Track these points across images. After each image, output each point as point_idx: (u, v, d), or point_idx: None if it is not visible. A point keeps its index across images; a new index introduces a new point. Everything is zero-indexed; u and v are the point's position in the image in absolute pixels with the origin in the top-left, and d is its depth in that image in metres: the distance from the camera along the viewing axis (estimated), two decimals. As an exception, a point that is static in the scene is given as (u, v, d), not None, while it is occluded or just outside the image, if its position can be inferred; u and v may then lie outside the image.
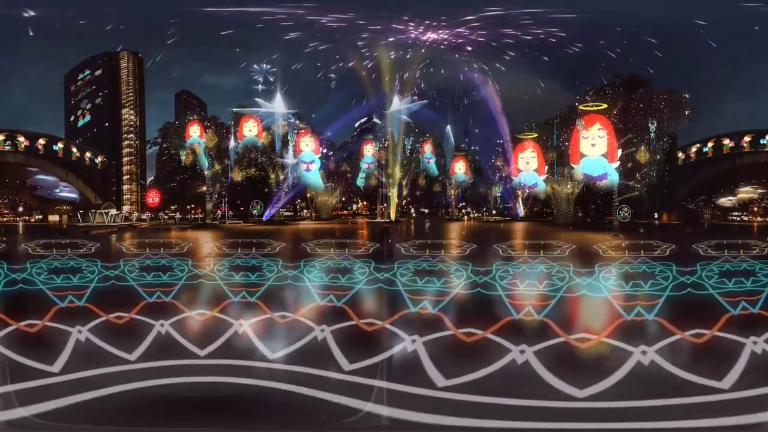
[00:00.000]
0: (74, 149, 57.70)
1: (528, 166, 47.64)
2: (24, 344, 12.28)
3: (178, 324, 13.50)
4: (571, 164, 42.05)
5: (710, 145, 52.99)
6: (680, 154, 53.87)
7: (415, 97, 52.83)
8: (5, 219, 54.21)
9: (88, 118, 62.13)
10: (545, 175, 47.83)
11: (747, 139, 51.47)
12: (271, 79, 50.56)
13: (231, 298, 15.69)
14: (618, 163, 41.25)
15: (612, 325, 13.49)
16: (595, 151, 40.60)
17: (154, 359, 11.71)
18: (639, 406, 10.31)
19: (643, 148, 44.28)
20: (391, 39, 45.92)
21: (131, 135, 61.68)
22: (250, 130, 51.01)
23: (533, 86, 52.01)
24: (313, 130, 53.03)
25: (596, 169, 40.91)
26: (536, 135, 47.83)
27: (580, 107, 41.74)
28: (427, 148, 57.11)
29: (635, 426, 10.16)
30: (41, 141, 55.44)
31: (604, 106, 41.31)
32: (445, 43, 46.65)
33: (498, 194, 60.52)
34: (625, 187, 44.48)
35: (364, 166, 56.67)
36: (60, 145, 56.56)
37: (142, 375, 11.15)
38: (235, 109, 51.77)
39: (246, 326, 13.32)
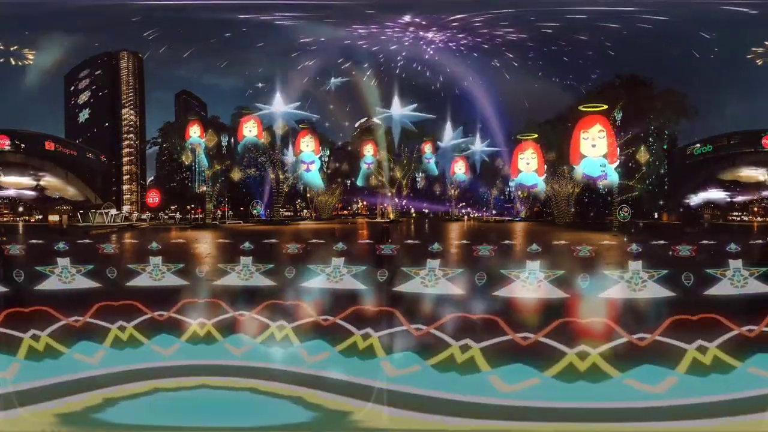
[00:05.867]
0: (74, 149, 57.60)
1: (528, 167, 47.64)
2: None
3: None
4: (571, 164, 42.11)
5: (710, 145, 52.89)
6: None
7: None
8: (5, 219, 54.18)
9: (87, 116, 62.06)
10: (545, 175, 47.84)
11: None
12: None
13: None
14: (618, 163, 41.29)
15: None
16: (596, 152, 40.67)
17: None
18: (639, 407, 10.32)
19: (643, 148, 44.28)
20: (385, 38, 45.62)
21: (131, 135, 61.60)
22: (250, 130, 50.99)
23: (532, 86, 51.78)
24: (313, 130, 52.93)
25: (596, 169, 40.99)
26: (536, 135, 47.81)
27: (580, 107, 41.75)
28: (427, 148, 56.95)
29: (635, 426, 10.18)
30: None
31: (605, 107, 41.31)
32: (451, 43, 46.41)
33: (497, 194, 60.42)
34: (625, 187, 44.47)
35: (364, 166, 56.58)
36: (60, 145, 56.45)
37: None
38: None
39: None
